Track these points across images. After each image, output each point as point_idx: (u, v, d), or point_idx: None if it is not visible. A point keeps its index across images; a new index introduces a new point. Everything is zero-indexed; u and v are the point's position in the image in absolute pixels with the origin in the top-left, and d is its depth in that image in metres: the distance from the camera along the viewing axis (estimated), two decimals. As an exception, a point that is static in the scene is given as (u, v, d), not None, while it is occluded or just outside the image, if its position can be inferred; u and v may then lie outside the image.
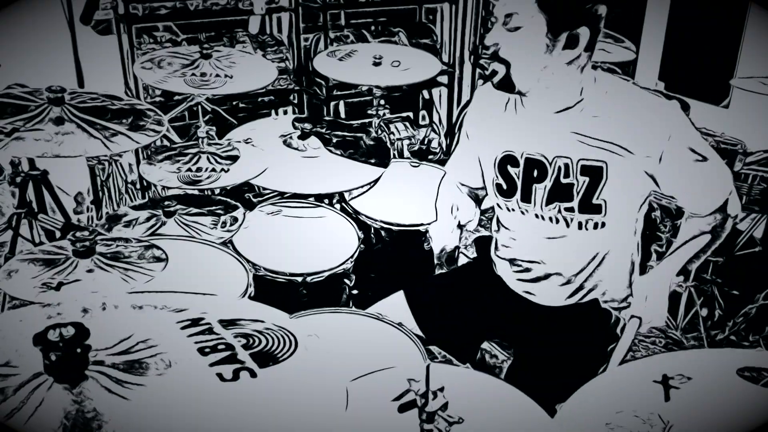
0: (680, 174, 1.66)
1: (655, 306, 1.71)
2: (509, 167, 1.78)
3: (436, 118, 4.15)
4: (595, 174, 1.68)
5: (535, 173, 1.74)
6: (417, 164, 2.80)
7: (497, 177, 1.81)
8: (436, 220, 2.09)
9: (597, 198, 1.69)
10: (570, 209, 1.72)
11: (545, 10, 1.57)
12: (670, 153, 1.63)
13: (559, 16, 1.58)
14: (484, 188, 1.94)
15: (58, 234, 2.70)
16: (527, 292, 1.87)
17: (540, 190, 1.75)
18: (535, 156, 1.74)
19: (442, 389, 1.26)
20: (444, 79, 3.99)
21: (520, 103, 1.75)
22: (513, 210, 1.81)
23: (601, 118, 1.66)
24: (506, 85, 1.67)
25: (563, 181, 1.71)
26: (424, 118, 4.14)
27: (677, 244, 1.78)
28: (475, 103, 1.92)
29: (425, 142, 3.75)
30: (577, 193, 1.70)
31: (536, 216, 1.77)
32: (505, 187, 1.80)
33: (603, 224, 1.72)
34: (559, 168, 1.71)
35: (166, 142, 2.85)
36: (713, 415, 1.21)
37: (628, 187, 1.70)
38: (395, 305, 1.96)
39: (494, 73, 1.67)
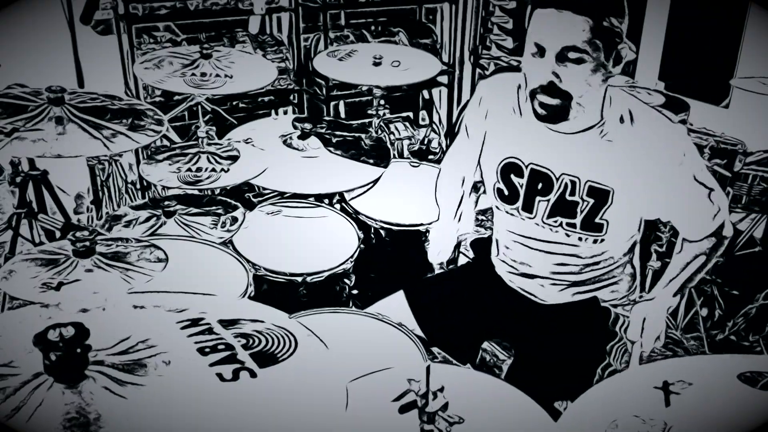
0: (680, 200, 1.67)
1: (653, 331, 1.70)
2: (513, 176, 1.76)
3: (436, 118, 4.15)
4: (601, 197, 1.67)
5: (540, 186, 1.73)
6: (417, 164, 2.80)
7: (499, 182, 1.80)
8: (438, 217, 2.08)
9: (600, 218, 1.69)
10: (571, 225, 1.72)
11: (599, 36, 1.53)
12: (675, 179, 1.63)
13: (609, 38, 1.56)
14: (482, 182, 1.93)
15: (58, 234, 2.70)
16: (525, 291, 1.87)
17: (543, 203, 1.74)
18: (542, 168, 1.72)
19: (442, 389, 1.26)
20: (444, 79, 3.99)
21: (535, 115, 1.69)
22: (513, 215, 1.81)
23: (615, 142, 1.64)
24: (558, 116, 1.61)
25: (568, 198, 1.70)
26: (424, 118, 4.14)
27: (671, 275, 1.76)
28: (477, 100, 1.86)
29: (425, 142, 3.75)
30: (581, 212, 1.70)
31: (536, 224, 1.77)
32: (506, 193, 1.79)
33: (603, 240, 1.73)
34: (566, 185, 1.70)
35: (166, 142, 2.85)
36: (712, 418, 1.21)
37: (633, 210, 1.70)
38: (395, 305, 1.96)
39: (544, 105, 1.59)
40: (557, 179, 1.70)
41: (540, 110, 1.61)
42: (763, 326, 2.64)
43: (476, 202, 2.05)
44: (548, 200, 1.73)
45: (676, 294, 1.74)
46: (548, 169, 1.71)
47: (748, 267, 2.80)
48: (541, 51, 1.56)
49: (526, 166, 1.74)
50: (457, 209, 2.01)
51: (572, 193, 1.69)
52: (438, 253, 2.02)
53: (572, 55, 1.53)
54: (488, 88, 1.84)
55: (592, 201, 1.68)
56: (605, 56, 1.56)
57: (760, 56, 3.17)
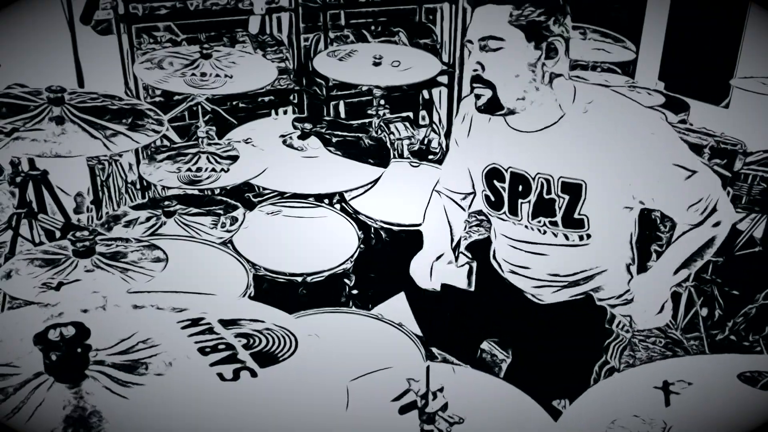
0: (666, 188, 1.66)
1: (655, 305, 1.70)
2: (495, 181, 1.79)
3: (436, 118, 4.15)
4: (574, 191, 1.68)
5: (520, 188, 1.75)
6: (417, 164, 2.80)
7: (485, 189, 1.82)
8: (423, 222, 2.04)
9: (578, 213, 1.70)
10: (554, 223, 1.73)
11: (519, 26, 1.59)
12: (647, 164, 1.62)
13: (533, 30, 1.59)
14: (473, 193, 1.94)
15: (58, 234, 2.70)
16: (525, 291, 1.87)
17: (525, 205, 1.76)
18: (520, 171, 1.74)
19: (441, 389, 1.26)
20: (444, 79, 3.99)
21: (503, 119, 1.74)
22: (504, 220, 1.82)
23: (582, 136, 1.66)
24: (493, 106, 1.67)
25: (546, 196, 1.72)
26: (424, 118, 4.14)
27: (673, 241, 1.76)
28: (461, 118, 1.90)
29: (425, 142, 3.75)
30: (559, 209, 1.71)
31: (525, 227, 1.78)
32: (493, 199, 1.82)
33: (588, 236, 1.73)
34: (542, 184, 1.72)
35: (166, 142, 2.85)
36: (712, 418, 1.21)
37: (611, 201, 1.70)
38: (397, 306, 1.96)
39: (479, 96, 1.67)
40: (533, 179, 1.72)
41: (477, 102, 1.68)
42: (763, 326, 2.64)
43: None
44: (529, 201, 1.75)
45: (678, 270, 1.72)
46: (524, 171, 1.73)
47: (748, 267, 2.80)
48: (470, 46, 1.64)
49: (506, 170, 1.76)
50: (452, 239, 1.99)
51: (548, 192, 1.71)
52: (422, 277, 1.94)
53: (492, 44, 1.60)
54: (470, 104, 1.85)
55: (567, 197, 1.69)
56: (533, 46, 1.60)
57: (760, 56, 3.18)
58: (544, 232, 1.77)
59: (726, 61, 3.32)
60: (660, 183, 1.65)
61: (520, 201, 1.76)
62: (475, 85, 1.67)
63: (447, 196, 2.02)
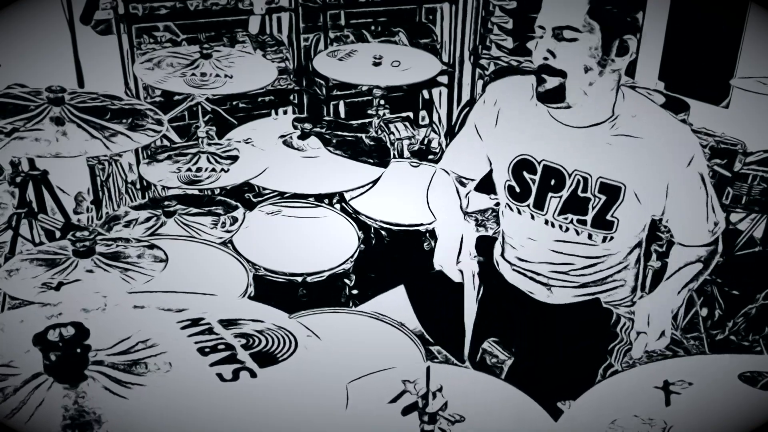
0: (684, 202, 1.67)
1: (658, 326, 1.69)
2: (525, 173, 1.76)
3: (436, 118, 4.15)
4: (612, 193, 1.67)
5: (553, 182, 1.72)
6: (417, 164, 2.80)
7: (510, 179, 1.79)
8: (435, 219, 2.03)
9: (611, 215, 1.69)
10: (582, 222, 1.72)
11: (597, 19, 1.55)
12: (682, 180, 1.64)
13: (609, 24, 1.56)
14: (473, 180, 1.92)
15: (58, 234, 2.70)
16: (528, 290, 1.87)
17: (555, 200, 1.73)
18: (555, 165, 1.72)
19: (441, 389, 1.26)
20: (444, 79, 3.99)
21: (547, 111, 1.70)
22: (522, 212, 1.80)
23: (627, 137, 1.65)
24: (555, 97, 1.62)
25: (580, 194, 1.70)
26: (424, 118, 4.14)
27: (670, 272, 1.77)
28: (491, 102, 1.83)
29: (425, 142, 3.75)
30: (593, 208, 1.70)
31: (546, 222, 1.77)
32: (518, 190, 1.78)
33: (612, 238, 1.72)
34: (578, 181, 1.70)
35: (166, 142, 2.85)
36: (712, 418, 1.21)
37: (642, 207, 1.70)
38: (396, 303, 1.96)
39: (542, 82, 1.61)
40: (570, 176, 1.70)
41: (539, 88, 1.62)
42: (763, 326, 2.64)
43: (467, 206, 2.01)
44: (560, 197, 1.72)
45: (680, 292, 1.73)
46: (561, 166, 1.71)
47: (748, 267, 2.80)
48: (541, 31, 1.59)
49: (539, 163, 1.73)
50: (466, 207, 1.97)
51: (584, 190, 1.69)
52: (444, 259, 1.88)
53: (567, 33, 1.56)
54: (501, 91, 1.83)
55: (603, 198, 1.68)
56: (604, 41, 1.57)
57: (760, 56, 3.17)
58: (567, 230, 1.75)
59: (726, 61, 3.31)
60: (686, 200, 1.67)
61: (550, 195, 1.74)
62: (544, 75, 1.61)
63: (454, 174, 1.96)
